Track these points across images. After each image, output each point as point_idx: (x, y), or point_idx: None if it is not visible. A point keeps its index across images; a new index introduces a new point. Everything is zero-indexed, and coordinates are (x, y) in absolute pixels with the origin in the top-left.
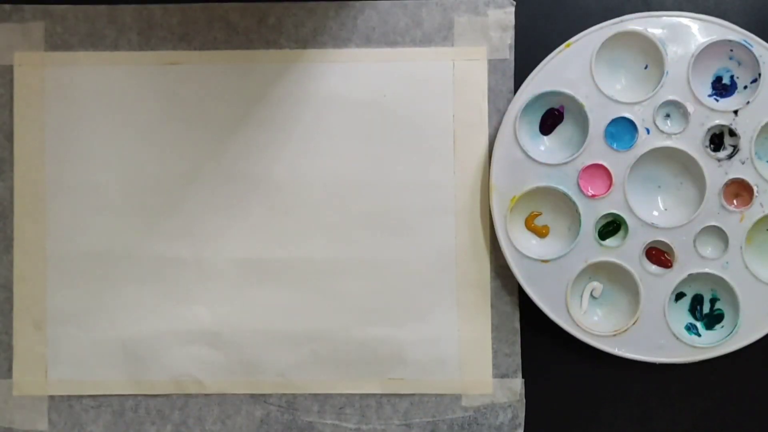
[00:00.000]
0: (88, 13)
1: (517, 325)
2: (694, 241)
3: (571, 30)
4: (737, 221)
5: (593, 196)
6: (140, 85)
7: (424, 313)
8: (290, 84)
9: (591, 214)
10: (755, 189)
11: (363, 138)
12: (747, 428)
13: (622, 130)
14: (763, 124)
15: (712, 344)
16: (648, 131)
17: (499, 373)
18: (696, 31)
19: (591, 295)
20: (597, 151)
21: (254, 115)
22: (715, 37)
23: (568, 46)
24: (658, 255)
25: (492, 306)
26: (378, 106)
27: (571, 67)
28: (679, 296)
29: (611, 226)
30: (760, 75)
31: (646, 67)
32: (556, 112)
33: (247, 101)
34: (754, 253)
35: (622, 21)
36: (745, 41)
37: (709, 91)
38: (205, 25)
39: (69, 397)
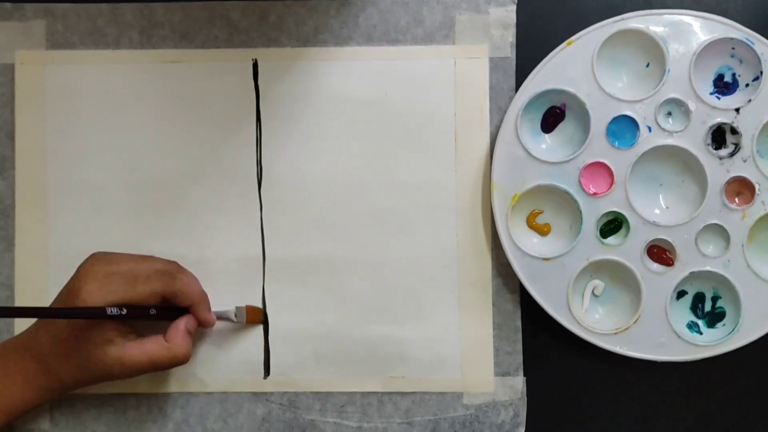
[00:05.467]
0: (90, 12)
1: (519, 323)
2: (696, 239)
3: (573, 28)
4: (739, 219)
5: (595, 194)
6: (141, 84)
7: (426, 312)
8: (291, 82)
9: (592, 212)
10: (757, 187)
11: (364, 136)
12: (748, 426)
13: (624, 128)
14: (764, 122)
15: (713, 342)
16: (649, 129)
17: (501, 372)
18: (697, 28)
19: (592, 293)
20: (598, 149)
21: (255, 113)
22: (716, 35)
23: (570, 44)
24: (660, 253)
25: (493, 304)
26: (379, 104)
27: (572, 65)
28: (681, 294)
29: (613, 224)
30: (761, 73)
31: (647, 65)
32: (557, 110)
33: (248, 99)
34: (756, 251)
35: (623, 19)
36: (747, 39)
37: (711, 89)
38: (206, 24)
39: (71, 395)
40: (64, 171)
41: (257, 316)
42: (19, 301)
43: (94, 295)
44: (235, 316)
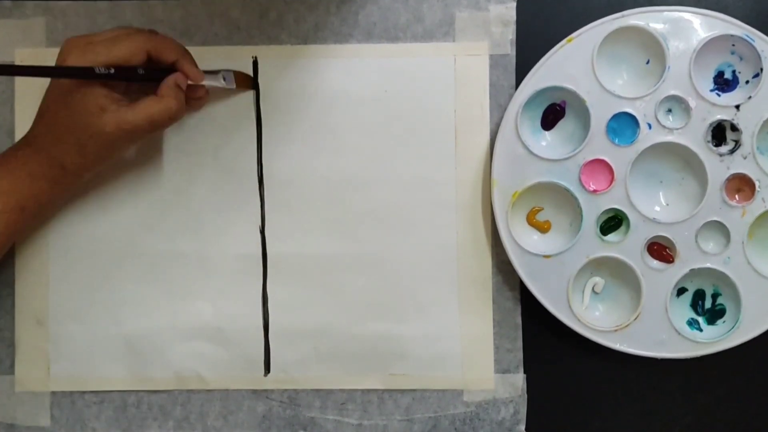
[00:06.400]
0: (89, 9)
1: (519, 320)
2: (696, 237)
3: (573, 25)
4: (739, 216)
5: (595, 191)
6: None
7: (426, 309)
8: (291, 80)
9: (592, 210)
10: (757, 184)
11: (364, 134)
12: (748, 423)
13: (624, 125)
14: (764, 119)
15: (713, 339)
16: (650, 126)
17: (501, 369)
18: (697, 25)
19: (592, 290)
20: (598, 146)
21: (255, 110)
22: (716, 32)
23: (570, 41)
24: (660, 250)
25: (493, 302)
26: (379, 101)
27: (572, 62)
28: (681, 291)
29: (613, 222)
30: (761, 70)
31: (647, 62)
32: (557, 108)
33: (248, 97)
34: (756, 248)
35: (623, 16)
36: (747, 36)
37: (711, 86)
38: (205, 21)
39: (71, 393)
40: None
41: (247, 82)
42: (20, 299)
43: (80, 61)
44: (224, 79)
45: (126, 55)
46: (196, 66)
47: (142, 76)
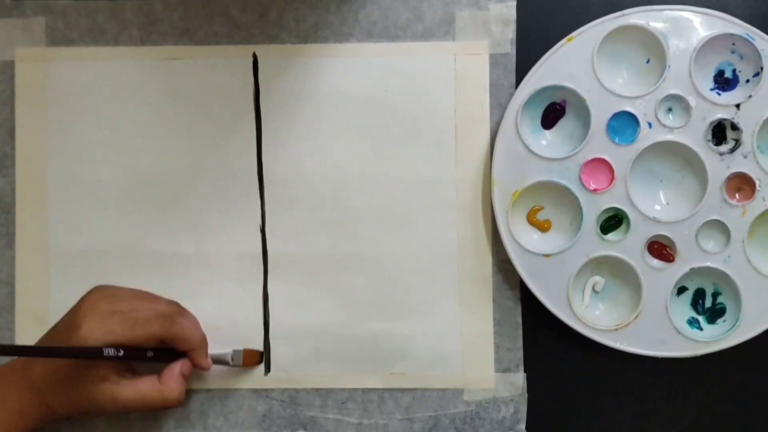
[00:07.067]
0: (89, 8)
1: (519, 319)
2: (696, 235)
3: (573, 24)
4: (739, 215)
5: (595, 190)
6: (141, 81)
7: (426, 308)
8: (291, 79)
9: (593, 209)
10: (757, 183)
11: (364, 133)
12: (749, 422)
13: (624, 124)
14: (765, 117)
15: (714, 338)
16: (650, 125)
17: (501, 368)
18: (698, 24)
19: (593, 289)
20: (599, 145)
21: (255, 110)
22: (717, 31)
23: (570, 40)
24: (660, 249)
25: (494, 300)
26: (379, 101)
27: (572, 61)
28: (681, 290)
29: (613, 221)
30: (762, 69)
31: (647, 61)
32: (557, 107)
33: (248, 96)
34: (756, 247)
35: (623, 15)
36: (747, 35)
37: (711, 84)
38: (206, 20)
39: None
40: (64, 168)
41: (255, 359)
42: (20, 299)
43: (94, 334)
44: (232, 359)
45: (141, 340)
46: (206, 356)
47: (150, 359)
